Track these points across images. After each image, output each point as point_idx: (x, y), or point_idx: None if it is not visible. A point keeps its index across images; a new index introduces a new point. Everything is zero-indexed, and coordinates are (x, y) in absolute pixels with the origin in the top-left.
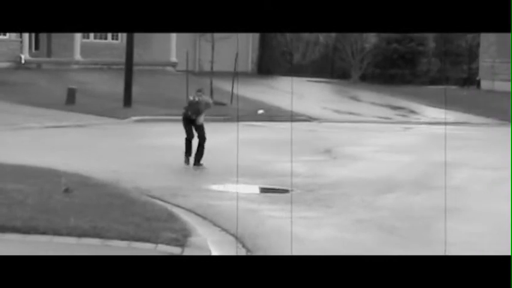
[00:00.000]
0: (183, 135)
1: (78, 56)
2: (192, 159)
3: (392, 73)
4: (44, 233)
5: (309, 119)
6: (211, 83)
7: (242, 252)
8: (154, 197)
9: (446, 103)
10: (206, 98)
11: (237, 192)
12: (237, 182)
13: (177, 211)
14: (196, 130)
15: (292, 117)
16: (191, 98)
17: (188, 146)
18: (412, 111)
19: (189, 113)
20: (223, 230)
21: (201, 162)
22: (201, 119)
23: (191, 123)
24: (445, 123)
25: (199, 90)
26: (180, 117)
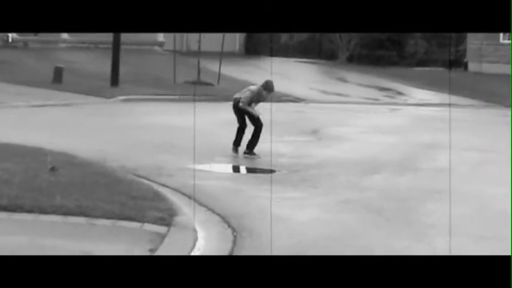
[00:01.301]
0: (170, 114)
1: (65, 35)
2: (240, 148)
3: (380, 54)
4: (30, 211)
5: (296, 99)
6: (198, 63)
7: (228, 232)
8: (140, 176)
9: (447, 86)
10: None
11: (194, 169)
12: (194, 162)
13: (163, 190)
14: (250, 118)
15: (278, 97)
16: (256, 87)
17: (240, 135)
18: (399, 93)
19: (241, 100)
20: (209, 209)
21: (255, 151)
22: (256, 112)
23: (241, 112)
24: (450, 105)
25: (270, 88)
26: (167, 97)
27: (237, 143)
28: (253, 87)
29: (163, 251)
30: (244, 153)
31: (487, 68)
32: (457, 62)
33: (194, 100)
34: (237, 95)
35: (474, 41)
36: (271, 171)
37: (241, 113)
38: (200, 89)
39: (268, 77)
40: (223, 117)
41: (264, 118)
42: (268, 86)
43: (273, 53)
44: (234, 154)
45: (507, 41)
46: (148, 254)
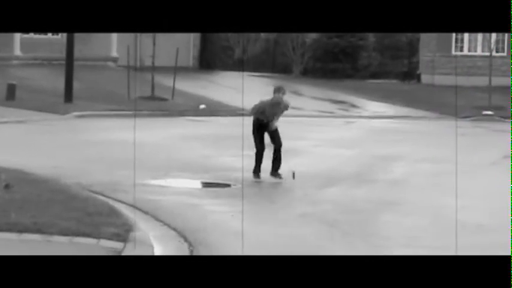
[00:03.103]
0: (124, 130)
1: (17, 52)
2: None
3: (333, 67)
4: None
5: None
6: (152, 78)
7: (184, 247)
8: (96, 192)
9: (388, 97)
10: (286, 100)
11: (134, 184)
12: (134, 175)
13: (118, 206)
14: (270, 136)
15: (233, 112)
16: (266, 98)
17: (259, 160)
18: (353, 105)
19: (262, 116)
20: (165, 224)
21: (279, 172)
22: (275, 124)
23: (263, 130)
24: (447, 117)
25: (279, 89)
26: (121, 112)
27: (257, 169)
28: (264, 99)
29: None
30: (271, 175)
31: (440, 79)
32: (410, 74)
33: (135, 115)
34: (255, 112)
35: (427, 53)
36: (228, 185)
37: (262, 133)
38: (155, 104)
39: (220, 92)
40: (179, 132)
41: (223, 132)
42: (279, 90)
43: (226, 67)
44: (257, 180)
45: (459, 53)
46: None
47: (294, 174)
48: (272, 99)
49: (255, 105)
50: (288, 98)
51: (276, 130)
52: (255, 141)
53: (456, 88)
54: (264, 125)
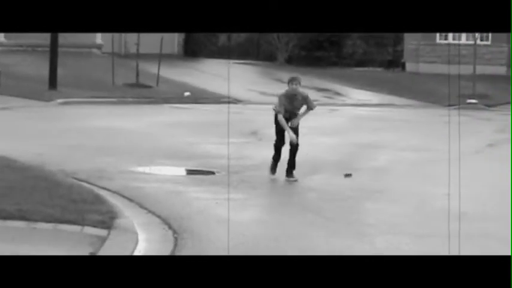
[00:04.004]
0: (109, 117)
1: (1, 38)
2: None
3: (318, 55)
4: None
5: (235, 101)
6: (137, 65)
7: (169, 234)
8: (80, 180)
9: (373, 85)
10: (303, 91)
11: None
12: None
13: (103, 193)
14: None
15: (217, 99)
16: (284, 91)
17: (278, 155)
18: (338, 93)
19: (284, 110)
20: (150, 212)
21: (294, 174)
22: (297, 121)
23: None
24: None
25: (294, 79)
26: (106, 99)
27: (274, 166)
28: (280, 92)
29: (104, 253)
30: (286, 177)
31: (424, 68)
32: (394, 62)
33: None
34: (278, 106)
35: (412, 41)
36: (212, 172)
37: (280, 127)
38: (139, 92)
39: (205, 79)
40: (163, 120)
41: (207, 119)
42: (293, 80)
43: (211, 54)
44: (273, 177)
45: (444, 41)
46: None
47: (347, 175)
48: (287, 92)
49: (277, 107)
50: (296, 86)
51: (297, 128)
52: (276, 135)
53: (449, 77)
54: (286, 119)
